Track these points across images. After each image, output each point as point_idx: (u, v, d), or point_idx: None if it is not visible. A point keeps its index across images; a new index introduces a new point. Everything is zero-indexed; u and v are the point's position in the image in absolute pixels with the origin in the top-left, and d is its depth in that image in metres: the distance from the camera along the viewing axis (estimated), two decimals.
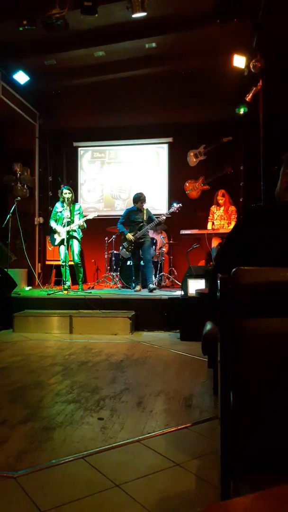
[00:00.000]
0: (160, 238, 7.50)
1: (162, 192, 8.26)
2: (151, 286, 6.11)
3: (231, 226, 6.84)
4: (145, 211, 6.46)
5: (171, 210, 6.54)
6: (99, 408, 2.63)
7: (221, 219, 6.94)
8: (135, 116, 7.80)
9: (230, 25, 5.35)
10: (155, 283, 6.77)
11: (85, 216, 6.39)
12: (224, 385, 1.01)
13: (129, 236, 6.37)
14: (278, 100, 6.40)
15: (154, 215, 6.58)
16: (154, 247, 7.19)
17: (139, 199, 6.42)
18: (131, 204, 6.73)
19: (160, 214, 6.65)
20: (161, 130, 8.13)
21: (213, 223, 6.99)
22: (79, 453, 2.03)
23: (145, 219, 6.42)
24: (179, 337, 4.89)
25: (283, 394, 0.99)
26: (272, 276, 1.02)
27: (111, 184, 8.49)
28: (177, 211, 6.48)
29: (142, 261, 6.42)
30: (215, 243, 6.78)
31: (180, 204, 6.53)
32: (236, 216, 6.94)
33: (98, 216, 6.70)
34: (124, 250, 6.72)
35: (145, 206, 6.53)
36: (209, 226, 6.99)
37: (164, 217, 6.49)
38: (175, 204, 6.52)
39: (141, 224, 6.39)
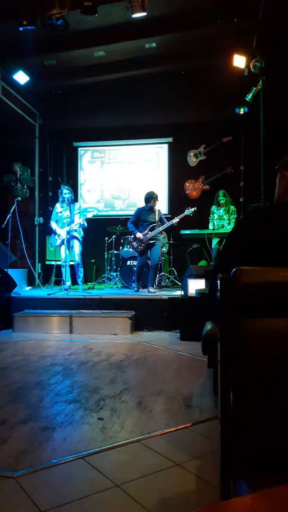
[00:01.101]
0: (160, 238, 7.49)
1: (162, 192, 8.24)
2: (151, 289, 6.08)
3: (231, 226, 6.85)
4: (157, 212, 6.32)
5: (186, 213, 6.36)
6: (99, 408, 2.63)
7: (221, 219, 6.94)
8: (135, 116, 7.80)
9: (230, 25, 5.35)
10: (156, 283, 6.77)
11: (85, 214, 6.40)
12: (224, 385, 1.01)
13: (140, 235, 6.21)
14: (278, 100, 6.41)
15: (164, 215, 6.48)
16: None
17: (151, 197, 6.21)
18: (131, 205, 6.71)
19: (173, 217, 6.52)
20: (161, 130, 8.12)
21: (214, 223, 7.00)
22: (79, 453, 2.03)
23: (157, 219, 6.27)
24: (179, 337, 4.89)
25: (283, 394, 0.99)
26: (272, 276, 1.02)
27: (111, 184, 8.48)
28: (191, 214, 6.36)
29: (149, 262, 6.33)
30: (215, 243, 6.79)
31: (195, 208, 6.39)
32: (236, 216, 6.95)
33: (97, 214, 6.68)
34: (132, 250, 6.57)
35: (157, 206, 6.36)
36: (210, 226, 7.00)
37: (178, 220, 6.27)
38: (190, 208, 6.37)
39: (153, 225, 6.24)
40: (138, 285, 6.38)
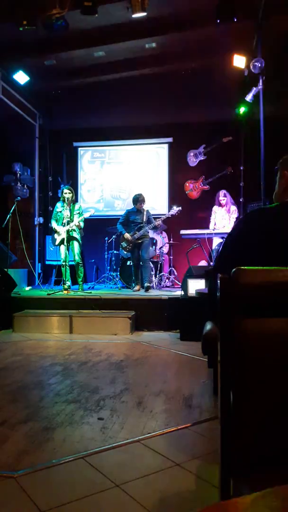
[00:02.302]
0: (160, 238, 7.50)
1: (162, 192, 8.26)
2: (146, 285, 6.16)
3: (230, 226, 6.87)
4: (145, 212, 6.49)
5: (171, 213, 6.59)
6: (99, 408, 2.63)
7: (222, 219, 6.95)
8: (135, 116, 7.80)
9: (230, 25, 5.35)
10: (155, 283, 6.78)
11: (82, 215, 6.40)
12: (224, 385, 1.01)
13: (127, 236, 6.42)
14: (278, 100, 6.40)
15: (153, 215, 6.61)
16: (154, 247, 7.19)
17: (137, 200, 6.45)
18: (131, 204, 6.74)
19: (160, 215, 6.68)
20: (161, 130, 8.13)
21: (214, 223, 7.00)
22: (79, 453, 2.03)
23: (144, 220, 6.44)
24: (179, 337, 4.89)
25: (283, 394, 0.99)
26: (272, 276, 1.02)
27: (111, 184, 8.49)
28: (176, 214, 6.54)
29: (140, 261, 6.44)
30: (215, 243, 6.79)
31: (180, 208, 6.58)
32: (236, 216, 6.95)
33: (94, 215, 6.70)
34: (123, 250, 6.77)
35: (145, 206, 6.55)
36: (211, 226, 7.00)
37: (160, 222, 6.53)
38: (174, 207, 6.58)
39: (140, 225, 6.42)
40: (138, 285, 6.40)
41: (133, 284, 6.57)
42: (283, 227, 1.42)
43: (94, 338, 4.93)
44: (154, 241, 7.27)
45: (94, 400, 2.79)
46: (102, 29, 5.80)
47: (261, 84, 5.89)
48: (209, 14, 5.23)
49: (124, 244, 6.55)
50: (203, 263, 6.84)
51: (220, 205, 7.02)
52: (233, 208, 7.00)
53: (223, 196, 6.98)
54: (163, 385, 3.12)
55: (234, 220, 6.93)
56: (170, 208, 8.05)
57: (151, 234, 7.03)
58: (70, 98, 7.50)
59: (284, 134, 6.13)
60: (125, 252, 6.79)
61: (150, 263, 6.59)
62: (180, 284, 5.99)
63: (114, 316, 5.28)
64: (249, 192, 7.45)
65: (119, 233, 6.72)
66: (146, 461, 1.96)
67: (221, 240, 6.69)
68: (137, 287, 6.41)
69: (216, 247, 6.74)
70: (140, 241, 6.41)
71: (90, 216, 6.51)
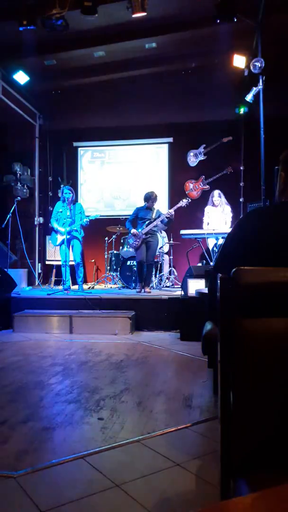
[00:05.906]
0: (160, 238, 7.49)
1: (162, 192, 8.24)
2: (146, 289, 6.08)
3: (226, 226, 6.86)
4: (155, 211, 6.31)
5: (180, 204, 6.34)
6: (99, 408, 2.63)
7: (217, 219, 6.93)
8: (135, 116, 7.80)
9: (230, 25, 5.35)
10: (155, 283, 6.76)
11: (87, 216, 6.38)
12: (224, 385, 1.01)
13: (134, 231, 6.22)
14: (278, 100, 6.40)
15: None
16: None
17: (150, 197, 6.23)
18: (131, 205, 6.71)
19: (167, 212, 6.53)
20: (161, 130, 8.12)
21: (208, 223, 6.98)
22: (79, 453, 2.03)
23: (154, 217, 6.26)
24: (179, 337, 4.89)
25: (283, 394, 0.99)
26: (272, 276, 1.02)
27: (111, 184, 8.48)
28: (185, 206, 6.34)
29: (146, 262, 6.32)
30: (211, 243, 6.77)
31: (189, 199, 6.39)
32: (231, 216, 6.94)
33: (100, 216, 6.64)
34: (128, 247, 6.60)
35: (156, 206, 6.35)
36: (204, 226, 6.98)
37: (173, 212, 6.27)
38: (184, 200, 6.37)
39: (150, 221, 6.24)
40: (140, 285, 6.21)
41: (133, 284, 6.53)
42: (281, 227, 1.42)
43: (94, 338, 4.93)
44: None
45: (94, 400, 2.79)
46: (102, 29, 5.80)
47: (261, 84, 5.88)
48: (209, 14, 5.23)
49: (131, 240, 6.34)
50: (203, 263, 6.83)
51: (213, 205, 7.00)
52: (228, 208, 6.98)
53: (217, 197, 6.96)
54: (163, 385, 3.12)
55: (230, 220, 6.92)
56: (170, 208, 8.06)
57: None
58: (70, 98, 7.50)
59: (284, 134, 6.13)
60: (130, 250, 6.64)
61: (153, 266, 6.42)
62: (180, 284, 5.99)
63: (114, 316, 5.28)
64: (249, 192, 7.45)
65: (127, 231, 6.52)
66: (146, 461, 1.96)
67: (216, 241, 6.69)
68: (139, 287, 6.31)
69: (214, 247, 6.74)
70: (148, 238, 6.19)
71: (90, 216, 6.48)
